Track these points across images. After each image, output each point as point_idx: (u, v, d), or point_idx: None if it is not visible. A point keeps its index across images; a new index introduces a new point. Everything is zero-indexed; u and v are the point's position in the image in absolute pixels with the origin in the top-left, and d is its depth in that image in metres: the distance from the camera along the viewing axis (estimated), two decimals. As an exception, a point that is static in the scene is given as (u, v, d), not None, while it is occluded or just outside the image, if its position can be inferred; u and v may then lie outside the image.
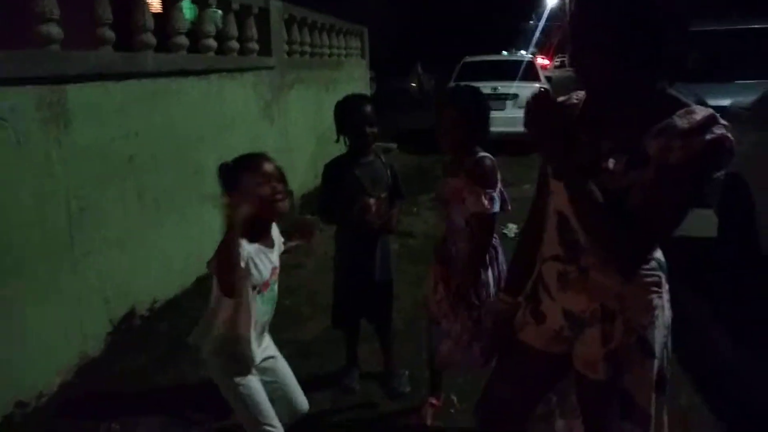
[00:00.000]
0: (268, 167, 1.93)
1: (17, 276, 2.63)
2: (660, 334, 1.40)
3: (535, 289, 1.58)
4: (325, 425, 2.62)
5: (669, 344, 1.45)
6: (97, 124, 3.14)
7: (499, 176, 2.26)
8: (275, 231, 2.04)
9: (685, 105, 1.26)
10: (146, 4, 3.73)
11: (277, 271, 2.01)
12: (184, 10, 4.22)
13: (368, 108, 2.63)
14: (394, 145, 9.99)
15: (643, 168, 1.24)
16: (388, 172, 2.74)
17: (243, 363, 1.94)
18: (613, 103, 1.35)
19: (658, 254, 1.41)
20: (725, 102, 5.01)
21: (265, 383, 2.01)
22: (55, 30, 2.90)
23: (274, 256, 1.99)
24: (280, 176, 1.96)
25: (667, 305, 1.42)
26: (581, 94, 1.49)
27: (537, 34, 43.52)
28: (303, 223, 2.22)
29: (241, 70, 4.97)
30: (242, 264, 1.82)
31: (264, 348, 2.04)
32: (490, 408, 1.71)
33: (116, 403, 2.74)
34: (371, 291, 2.77)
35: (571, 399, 1.66)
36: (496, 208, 2.22)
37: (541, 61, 22.90)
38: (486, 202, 2.18)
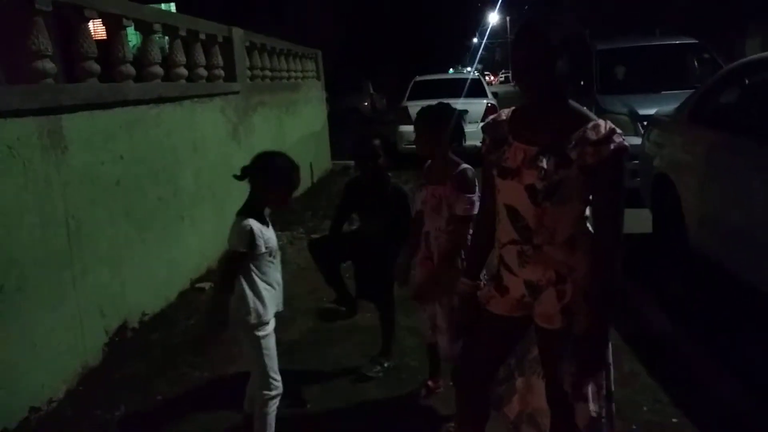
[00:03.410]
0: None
1: (25, 291, 2.84)
2: None
3: (498, 270, 1.95)
4: (315, 413, 2.93)
5: None
6: (89, 150, 3.39)
7: (477, 184, 2.64)
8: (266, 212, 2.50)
9: (591, 119, 1.71)
10: (124, 37, 4.00)
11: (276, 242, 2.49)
12: (130, 36, 4.35)
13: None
14: (352, 163, 10.35)
15: (569, 168, 1.69)
16: None
17: (266, 308, 2.39)
18: (540, 113, 1.78)
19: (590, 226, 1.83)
20: (652, 111, 5.60)
21: None
22: (49, 65, 3.16)
23: (272, 231, 2.47)
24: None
25: None
26: (507, 111, 1.92)
27: (481, 51, 44.91)
28: None
29: (210, 95, 5.26)
30: (263, 246, 2.33)
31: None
32: (465, 371, 2.07)
33: (122, 405, 2.99)
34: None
35: (527, 359, 2.05)
36: (476, 210, 2.61)
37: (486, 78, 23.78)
38: (469, 207, 2.58)
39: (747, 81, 4.39)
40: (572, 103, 1.77)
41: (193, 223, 4.67)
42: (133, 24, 4.05)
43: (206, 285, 4.57)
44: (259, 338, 2.39)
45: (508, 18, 54.01)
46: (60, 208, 3.12)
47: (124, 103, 3.79)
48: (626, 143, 1.68)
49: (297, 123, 8.37)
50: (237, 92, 5.92)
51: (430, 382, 2.99)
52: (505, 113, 1.91)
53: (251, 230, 2.29)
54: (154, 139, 4.18)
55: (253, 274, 2.35)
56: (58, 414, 2.89)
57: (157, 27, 4.39)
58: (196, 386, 3.20)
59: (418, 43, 28.77)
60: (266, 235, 2.37)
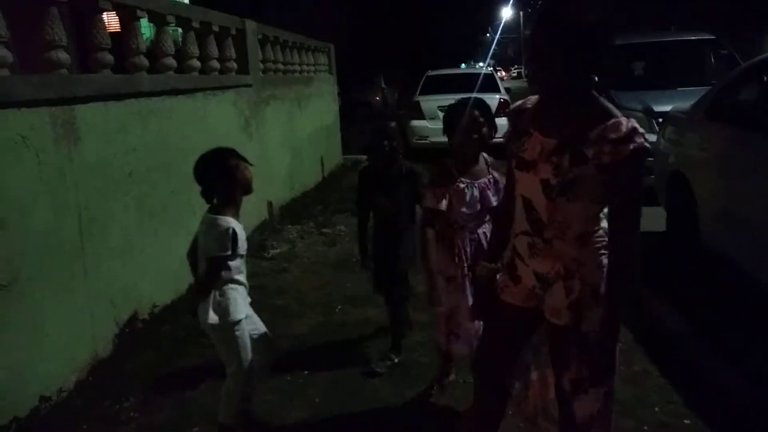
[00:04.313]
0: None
1: (37, 281, 2.85)
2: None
3: (512, 258, 1.94)
4: (323, 408, 2.93)
5: None
6: (102, 141, 3.39)
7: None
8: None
9: (613, 117, 1.64)
10: (138, 29, 4.00)
11: None
12: (143, 29, 4.39)
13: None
14: (364, 157, 10.33)
15: (585, 165, 1.64)
16: None
17: (240, 302, 2.41)
18: (560, 106, 1.73)
19: (604, 223, 1.79)
20: (667, 107, 5.52)
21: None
22: (63, 56, 3.16)
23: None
24: None
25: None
26: (534, 98, 1.86)
27: (493, 46, 44.69)
28: None
29: (223, 88, 5.25)
30: (243, 248, 2.35)
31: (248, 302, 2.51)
32: (485, 361, 2.06)
33: (132, 396, 3.00)
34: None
35: (542, 352, 2.03)
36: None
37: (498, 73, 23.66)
38: None
39: (765, 78, 4.32)
40: (600, 98, 1.71)
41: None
42: (146, 15, 4.04)
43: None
44: (234, 337, 2.41)
45: (521, 13, 53.67)
46: (72, 198, 3.13)
47: (138, 95, 3.79)
48: (647, 144, 1.61)
49: (308, 117, 8.35)
50: (249, 85, 5.91)
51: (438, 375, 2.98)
52: (530, 101, 1.86)
53: (234, 232, 2.29)
54: (166, 131, 4.18)
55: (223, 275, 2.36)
56: (67, 404, 2.90)
57: (170, 19, 4.38)
58: (205, 378, 3.19)
59: (431, 39, 28.57)
60: (243, 235, 2.37)
